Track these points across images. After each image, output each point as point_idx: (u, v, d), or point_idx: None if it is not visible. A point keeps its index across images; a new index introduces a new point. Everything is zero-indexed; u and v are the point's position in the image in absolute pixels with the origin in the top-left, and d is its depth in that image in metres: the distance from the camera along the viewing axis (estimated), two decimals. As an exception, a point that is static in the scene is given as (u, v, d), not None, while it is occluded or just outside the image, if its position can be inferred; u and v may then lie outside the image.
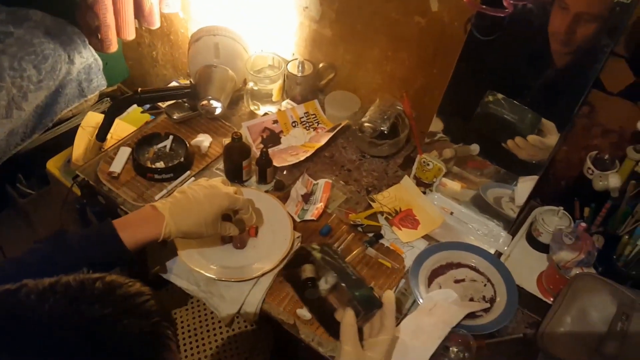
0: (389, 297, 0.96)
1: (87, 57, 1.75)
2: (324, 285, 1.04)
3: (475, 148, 1.28)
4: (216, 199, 1.05)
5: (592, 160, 1.16)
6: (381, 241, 1.25)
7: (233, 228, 1.11)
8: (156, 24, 1.72)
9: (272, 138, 1.45)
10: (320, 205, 1.27)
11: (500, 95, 1.17)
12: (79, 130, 1.70)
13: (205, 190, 1.06)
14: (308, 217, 1.26)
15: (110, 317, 0.54)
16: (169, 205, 1.03)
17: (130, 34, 1.70)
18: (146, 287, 0.60)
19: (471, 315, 1.11)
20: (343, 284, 0.96)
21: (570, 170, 1.26)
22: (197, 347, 1.57)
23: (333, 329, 0.98)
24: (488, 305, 1.13)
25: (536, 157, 1.18)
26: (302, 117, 1.50)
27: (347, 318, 0.91)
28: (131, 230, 0.98)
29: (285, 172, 1.37)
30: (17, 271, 0.89)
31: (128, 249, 0.97)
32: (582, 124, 1.18)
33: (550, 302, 1.13)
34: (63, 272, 0.86)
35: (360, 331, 0.93)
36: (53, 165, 1.73)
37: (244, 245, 1.19)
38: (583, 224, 1.14)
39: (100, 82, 1.82)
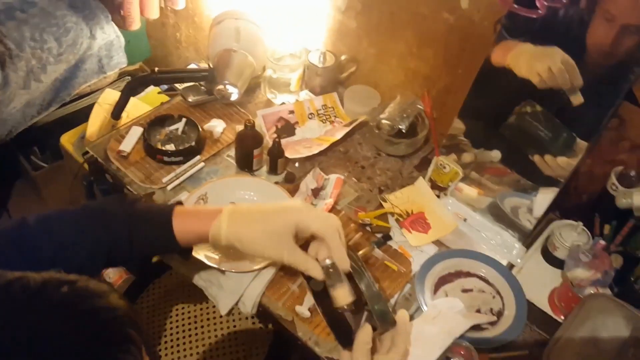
0: (403, 316, 0.94)
1: (109, 34, 1.73)
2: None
3: (496, 154, 1.23)
4: (285, 210, 0.90)
5: (617, 175, 1.11)
6: (389, 243, 1.21)
7: (313, 264, 0.90)
8: (181, 4, 1.69)
9: (286, 128, 1.42)
10: (330, 202, 1.23)
11: (539, 108, 1.12)
12: (95, 106, 1.70)
13: (278, 204, 0.93)
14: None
15: (62, 333, 0.48)
16: (233, 207, 0.92)
17: (153, 13, 1.68)
18: (121, 301, 0.54)
19: (476, 328, 1.06)
20: (365, 295, 0.93)
21: (593, 184, 1.21)
22: (197, 336, 1.56)
23: (342, 333, 0.95)
24: (495, 318, 1.09)
25: (561, 176, 1.13)
26: (320, 110, 1.47)
27: (362, 335, 0.89)
28: (187, 218, 0.90)
29: (297, 165, 1.34)
30: (54, 223, 0.84)
31: (175, 236, 0.89)
32: (610, 137, 1.12)
33: (560, 320, 1.08)
34: (100, 235, 0.83)
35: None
36: (67, 140, 1.73)
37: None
38: (602, 242, 1.09)
39: (120, 60, 1.80)
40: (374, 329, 0.90)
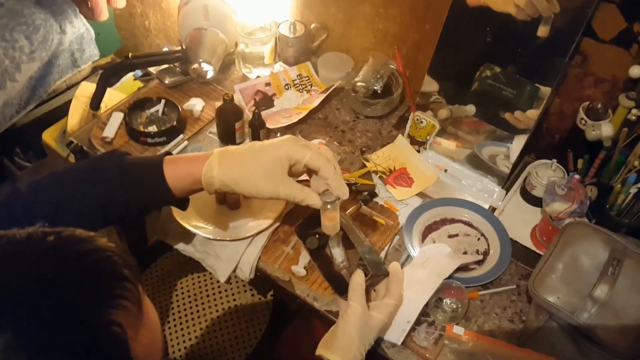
0: (395, 267, 1.01)
1: (78, 27, 1.73)
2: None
3: (471, 109, 1.27)
4: (276, 144, 0.86)
5: (585, 110, 1.15)
6: (375, 199, 1.25)
7: (309, 193, 0.88)
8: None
9: (265, 101, 1.45)
10: (314, 165, 1.26)
11: (497, 69, 1.16)
12: (73, 100, 1.70)
13: (267, 141, 0.88)
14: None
15: (51, 277, 0.49)
16: (224, 148, 0.89)
17: (120, 2, 1.69)
18: (111, 244, 0.54)
19: (465, 268, 1.12)
20: (356, 247, 0.99)
21: (564, 122, 1.25)
22: (198, 313, 1.60)
23: (338, 284, 1.02)
24: (481, 257, 1.14)
25: (532, 126, 1.18)
26: (295, 80, 1.49)
27: (356, 278, 0.94)
28: (177, 164, 0.88)
29: (279, 135, 1.37)
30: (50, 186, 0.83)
31: (167, 183, 0.86)
32: (575, 74, 1.17)
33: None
34: (97, 192, 0.83)
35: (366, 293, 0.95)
36: (49, 136, 1.73)
37: (238, 206, 1.19)
38: (577, 176, 1.14)
39: (92, 52, 1.80)
40: (366, 274, 0.95)
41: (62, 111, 1.76)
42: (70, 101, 1.73)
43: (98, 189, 0.84)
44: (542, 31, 1.09)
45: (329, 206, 0.90)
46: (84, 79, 1.90)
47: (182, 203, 0.95)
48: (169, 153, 0.91)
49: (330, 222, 0.93)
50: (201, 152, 0.91)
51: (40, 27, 1.65)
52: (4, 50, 1.58)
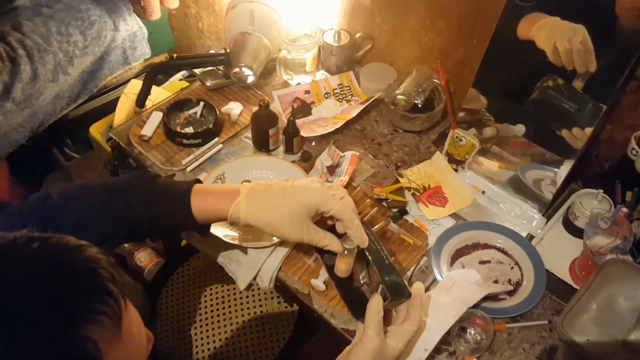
0: (418, 288, 0.95)
1: (132, 25, 1.77)
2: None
3: (520, 129, 1.21)
4: (304, 192, 0.90)
5: (637, 140, 1.07)
6: (406, 217, 1.21)
7: (332, 239, 0.93)
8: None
9: (302, 108, 1.43)
10: (345, 178, 1.23)
11: (561, 81, 1.09)
12: (122, 97, 1.73)
13: (296, 183, 0.92)
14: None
15: (29, 285, 0.48)
16: (251, 186, 0.93)
17: (173, 3, 1.71)
18: (100, 255, 0.53)
19: (494, 298, 1.06)
20: (375, 267, 0.95)
21: (614, 151, 1.17)
22: (224, 316, 1.59)
23: (355, 305, 0.98)
24: (511, 287, 1.07)
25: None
26: (336, 89, 1.47)
27: (373, 304, 0.90)
28: (205, 197, 0.92)
29: (313, 144, 1.35)
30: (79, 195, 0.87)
31: (193, 214, 0.91)
32: (629, 100, 1.09)
33: (581, 290, 1.06)
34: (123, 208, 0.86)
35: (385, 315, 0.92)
36: (96, 130, 1.77)
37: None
38: (624, 209, 1.06)
39: (144, 51, 1.85)
40: (385, 299, 0.91)
41: (112, 106, 1.80)
42: (119, 97, 1.77)
43: (125, 208, 0.88)
44: (577, 85, 1.05)
45: (346, 252, 0.95)
46: (135, 76, 1.94)
47: (204, 229, 1.00)
48: (198, 181, 0.95)
49: (345, 266, 0.97)
50: (229, 187, 0.94)
51: (95, 23, 1.70)
52: (59, 44, 1.64)
